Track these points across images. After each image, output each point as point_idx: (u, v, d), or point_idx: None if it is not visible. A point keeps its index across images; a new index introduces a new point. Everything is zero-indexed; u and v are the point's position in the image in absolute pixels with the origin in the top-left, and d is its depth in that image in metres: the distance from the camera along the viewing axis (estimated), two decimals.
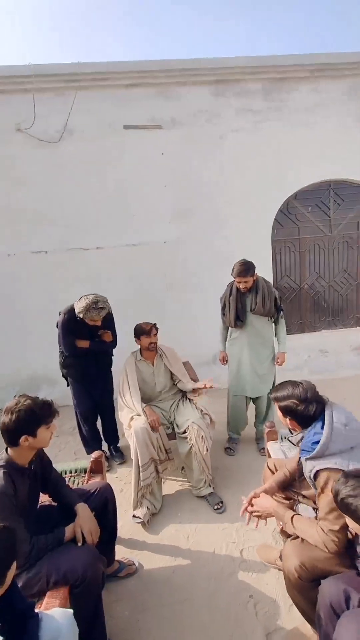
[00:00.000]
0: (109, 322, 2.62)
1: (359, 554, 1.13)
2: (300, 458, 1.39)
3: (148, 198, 3.72)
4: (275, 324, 2.74)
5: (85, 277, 3.76)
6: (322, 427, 1.29)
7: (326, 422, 1.29)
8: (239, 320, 2.60)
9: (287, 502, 1.60)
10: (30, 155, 3.54)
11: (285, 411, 1.41)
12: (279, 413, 1.45)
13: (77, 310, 2.36)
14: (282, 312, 2.69)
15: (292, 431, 1.47)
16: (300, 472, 1.44)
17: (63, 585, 1.23)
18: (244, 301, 2.62)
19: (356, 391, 3.71)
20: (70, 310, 2.47)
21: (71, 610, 1.09)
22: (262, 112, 3.71)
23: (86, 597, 1.26)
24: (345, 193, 4.01)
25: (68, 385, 2.73)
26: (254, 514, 1.51)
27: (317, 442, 1.27)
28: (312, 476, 1.29)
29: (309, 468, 1.30)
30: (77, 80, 3.36)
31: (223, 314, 2.72)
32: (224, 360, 2.84)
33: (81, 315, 2.35)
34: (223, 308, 2.70)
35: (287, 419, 1.42)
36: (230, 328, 2.74)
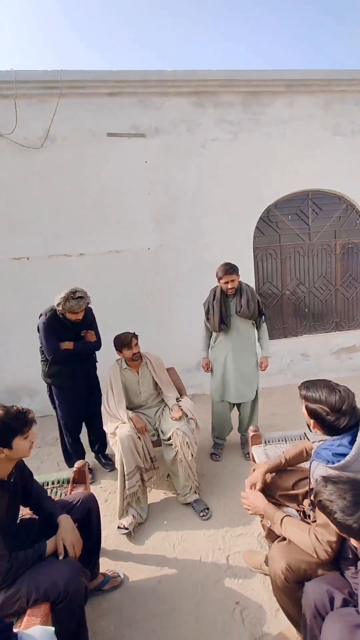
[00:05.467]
0: (91, 321, 2.59)
1: (343, 555, 1.14)
2: (312, 460, 1.32)
3: (130, 205, 3.74)
4: (258, 329, 2.75)
5: (66, 283, 3.66)
6: (351, 442, 1.19)
7: (358, 439, 1.17)
8: (223, 324, 2.60)
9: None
10: (11, 161, 3.50)
11: (313, 414, 1.30)
12: (304, 410, 1.35)
13: (55, 304, 2.35)
14: (264, 317, 2.72)
15: (311, 429, 1.37)
16: (295, 461, 1.41)
17: (44, 602, 1.19)
18: (228, 305, 2.62)
19: None
20: (52, 309, 2.44)
21: (52, 628, 1.05)
22: (240, 123, 3.82)
23: (68, 613, 1.21)
24: (322, 203, 4.16)
25: (51, 396, 2.63)
26: (244, 506, 1.51)
27: (340, 455, 1.19)
28: (322, 476, 1.22)
29: (320, 472, 1.23)
30: (58, 87, 3.37)
31: (207, 319, 2.70)
32: (207, 367, 2.82)
33: (60, 308, 2.33)
34: (207, 313, 2.68)
35: (312, 421, 1.32)
36: (214, 333, 2.73)
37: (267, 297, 4.23)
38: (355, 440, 1.18)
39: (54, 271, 3.69)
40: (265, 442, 2.15)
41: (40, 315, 2.51)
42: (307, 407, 1.32)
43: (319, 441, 1.30)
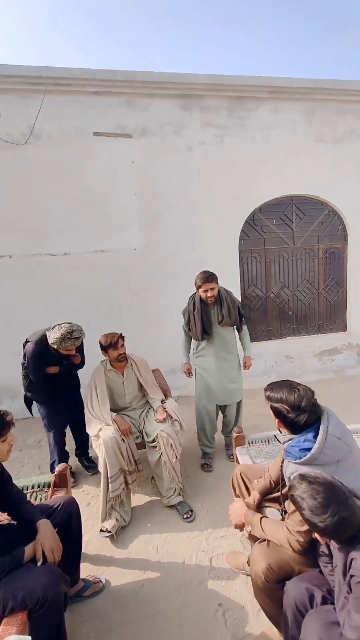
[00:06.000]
0: (80, 346, 2.54)
1: (320, 553, 1.16)
2: (283, 460, 1.37)
3: (116, 205, 3.72)
4: (239, 331, 2.74)
5: (50, 283, 3.65)
6: (314, 436, 1.26)
7: (320, 433, 1.25)
8: (206, 333, 2.56)
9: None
10: None
11: (276, 413, 1.38)
12: (270, 410, 1.42)
13: (51, 341, 2.24)
14: (243, 319, 2.69)
15: (280, 430, 1.44)
16: (282, 476, 1.43)
17: (21, 610, 1.15)
18: (209, 313, 2.59)
19: (319, 395, 3.85)
20: (41, 341, 2.34)
21: (29, 637, 1.01)
22: (226, 127, 3.87)
23: (47, 621, 1.18)
24: (306, 208, 4.26)
25: (27, 402, 2.58)
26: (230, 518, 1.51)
27: (306, 449, 1.26)
28: (292, 478, 1.28)
29: (292, 470, 1.30)
30: (43, 83, 3.32)
31: (188, 329, 2.66)
32: (189, 372, 2.79)
33: (55, 346, 2.24)
34: (188, 323, 2.64)
35: (276, 420, 1.40)
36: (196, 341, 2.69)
37: (252, 299, 4.29)
38: (319, 434, 1.25)
39: (37, 271, 3.62)
40: (249, 443, 2.16)
41: (28, 341, 2.43)
42: (271, 407, 1.39)
43: (289, 440, 1.36)
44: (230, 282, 3.99)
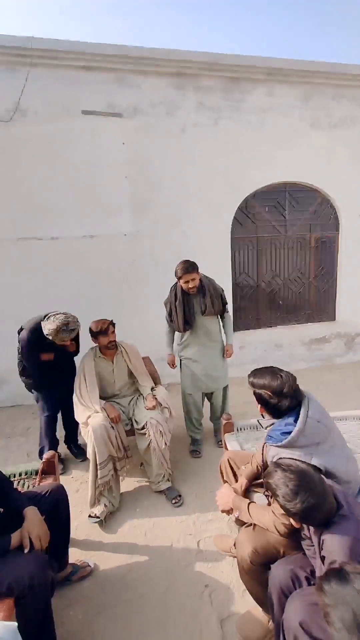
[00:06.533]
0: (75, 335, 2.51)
1: (302, 537, 1.19)
2: (265, 443, 1.42)
3: (106, 188, 3.60)
4: (222, 319, 2.71)
5: (37, 268, 3.55)
6: (295, 420, 1.31)
7: (301, 416, 1.30)
8: (188, 324, 2.54)
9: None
10: None
11: (258, 399, 1.42)
12: (254, 397, 1.46)
13: (46, 332, 2.19)
14: (226, 307, 2.66)
15: (263, 415, 1.48)
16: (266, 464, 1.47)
17: (8, 597, 1.15)
18: (191, 303, 2.54)
19: (306, 383, 3.93)
20: (36, 329, 2.29)
21: (14, 624, 1.01)
22: (220, 109, 3.75)
23: (33, 607, 1.18)
24: (299, 196, 4.21)
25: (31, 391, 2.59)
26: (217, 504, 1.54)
27: (287, 433, 1.30)
28: (274, 462, 1.35)
29: (273, 453, 1.35)
30: (28, 55, 3.13)
31: (170, 320, 2.63)
32: (173, 364, 2.78)
33: (51, 337, 2.19)
34: (170, 314, 2.61)
35: (259, 406, 1.45)
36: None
37: (243, 288, 4.27)
38: (299, 418, 1.30)
39: (24, 255, 3.51)
40: (238, 429, 2.19)
41: (22, 328, 2.39)
42: (254, 393, 1.44)
43: (271, 425, 1.41)
44: (222, 270, 3.96)
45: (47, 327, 2.18)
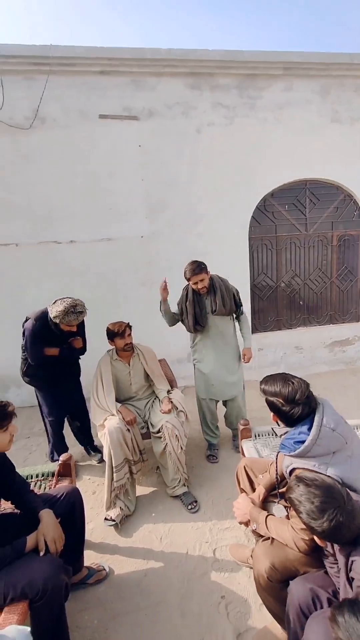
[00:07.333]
0: (81, 327, 2.48)
1: (325, 554, 1.12)
2: (279, 451, 1.38)
3: (123, 191, 3.62)
4: (237, 320, 2.65)
5: (56, 271, 3.62)
6: (309, 429, 1.25)
7: (314, 424, 1.24)
8: (199, 324, 2.49)
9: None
10: None
11: (271, 407, 1.37)
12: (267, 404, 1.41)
13: (52, 315, 2.17)
14: (241, 308, 2.59)
15: (278, 423, 1.43)
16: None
17: (22, 600, 1.15)
18: (202, 304, 2.51)
19: (329, 387, 3.80)
20: (42, 317, 2.28)
21: (28, 628, 1.01)
22: (236, 107, 3.69)
23: (47, 610, 1.18)
24: (320, 193, 4.07)
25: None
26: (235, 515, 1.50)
27: (300, 442, 1.25)
28: (288, 472, 1.31)
29: (287, 463, 1.31)
30: (47, 64, 3.20)
31: (182, 320, 2.60)
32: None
33: (57, 320, 2.17)
34: (181, 314, 2.58)
35: (272, 413, 1.40)
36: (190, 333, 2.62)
37: (262, 288, 4.18)
38: (313, 426, 1.24)
39: (43, 258, 3.59)
40: (256, 435, 2.12)
41: (28, 318, 2.37)
42: (266, 401, 1.38)
43: (285, 433, 1.36)
44: (240, 270, 3.90)
45: (55, 309, 2.16)
